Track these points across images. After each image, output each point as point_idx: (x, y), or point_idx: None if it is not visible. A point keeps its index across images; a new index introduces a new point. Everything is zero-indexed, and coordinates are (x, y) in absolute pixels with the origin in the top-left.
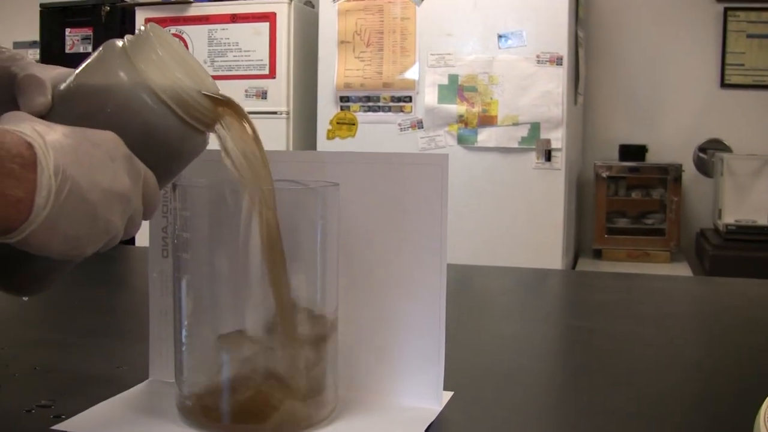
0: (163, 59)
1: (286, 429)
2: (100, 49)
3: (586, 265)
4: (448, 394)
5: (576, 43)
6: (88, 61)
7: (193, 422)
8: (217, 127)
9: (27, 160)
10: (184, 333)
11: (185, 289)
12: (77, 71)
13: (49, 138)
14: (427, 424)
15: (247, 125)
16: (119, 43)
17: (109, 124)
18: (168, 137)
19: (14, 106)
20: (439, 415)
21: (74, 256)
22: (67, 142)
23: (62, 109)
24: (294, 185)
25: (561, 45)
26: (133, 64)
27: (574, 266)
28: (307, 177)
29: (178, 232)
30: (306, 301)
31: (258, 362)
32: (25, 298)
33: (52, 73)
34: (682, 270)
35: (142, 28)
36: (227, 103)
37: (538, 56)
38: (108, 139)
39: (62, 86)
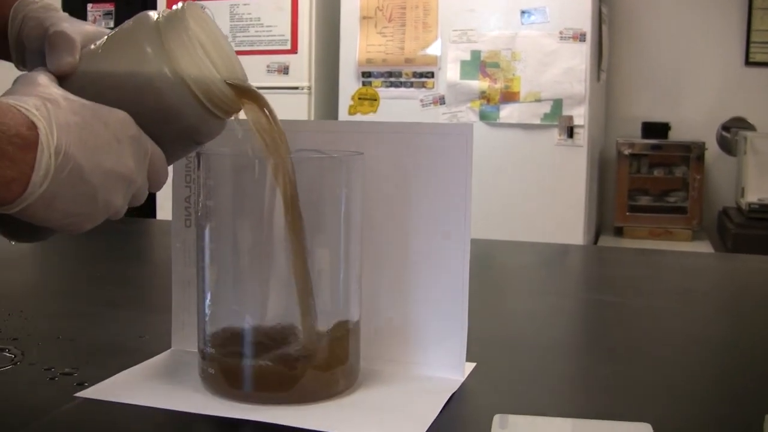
0: (193, 42)
1: (308, 398)
2: (133, 20)
3: (607, 242)
4: (471, 365)
5: (599, 20)
6: (119, 29)
7: (216, 390)
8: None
9: (26, 140)
10: (207, 302)
11: (209, 258)
12: (107, 37)
13: (56, 114)
14: (450, 395)
15: (268, 116)
16: (153, 17)
17: (129, 98)
18: (186, 120)
19: (44, 57)
20: (461, 385)
21: (73, 231)
22: (75, 120)
23: (85, 73)
24: (317, 154)
25: (584, 21)
26: (163, 43)
27: (595, 244)
28: (330, 147)
29: (202, 201)
30: (329, 272)
31: (281, 332)
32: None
33: (82, 30)
34: (704, 248)
35: (180, 5)
36: (250, 95)
37: (561, 32)
38: (117, 119)
39: (92, 47)
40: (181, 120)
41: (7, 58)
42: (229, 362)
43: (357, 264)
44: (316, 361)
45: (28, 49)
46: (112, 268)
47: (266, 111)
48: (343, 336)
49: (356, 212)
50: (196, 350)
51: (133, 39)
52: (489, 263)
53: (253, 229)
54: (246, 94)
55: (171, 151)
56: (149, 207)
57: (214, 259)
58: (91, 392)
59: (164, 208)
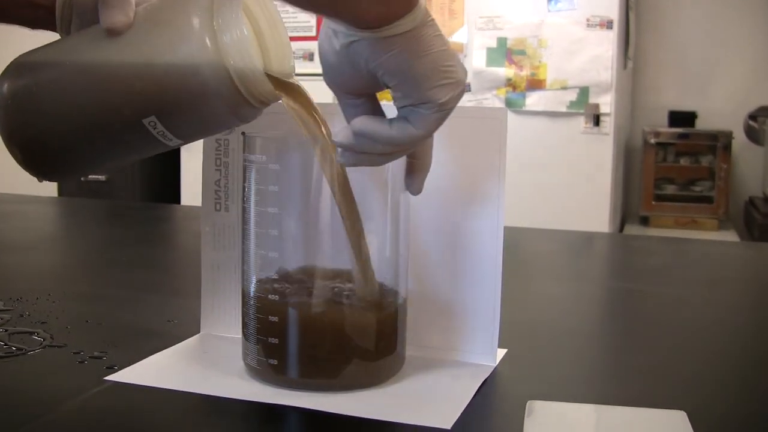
0: (242, 26)
1: (354, 387)
2: None
3: (632, 231)
4: (502, 351)
5: (626, 7)
6: None
7: (260, 377)
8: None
9: None
10: (252, 287)
11: (254, 242)
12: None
13: None
14: (482, 380)
15: (308, 108)
16: None
17: (168, 67)
18: (220, 105)
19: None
20: (493, 371)
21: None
22: None
23: (134, 32)
24: None
25: (611, 8)
26: (212, 18)
27: (620, 232)
28: None
29: (249, 185)
30: (377, 260)
31: (327, 319)
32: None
33: None
34: (730, 238)
35: None
36: (289, 88)
37: (588, 20)
38: None
39: (141, 8)
40: (215, 103)
41: (46, 26)
42: (274, 349)
43: (405, 251)
44: (364, 351)
45: (77, 9)
46: (138, 253)
47: (305, 103)
48: (392, 326)
49: (403, 198)
50: (226, 334)
51: (183, 8)
52: (515, 250)
53: (300, 213)
54: (285, 87)
55: (202, 128)
56: (174, 193)
57: (260, 242)
58: (120, 376)
59: (188, 193)
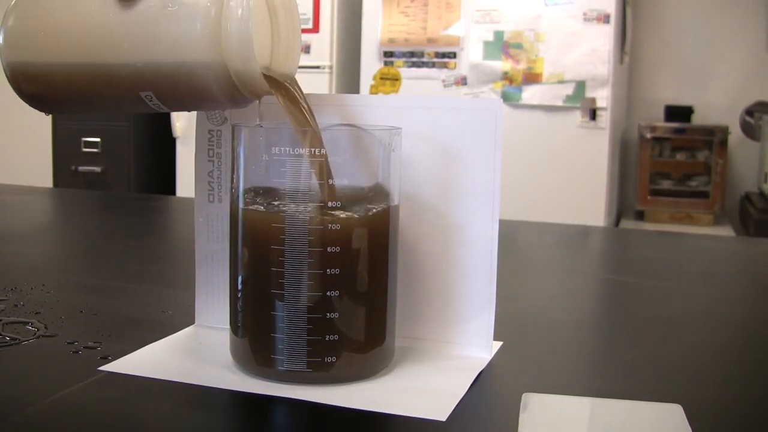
0: (249, 19)
1: (343, 380)
2: None
3: (628, 226)
4: (498, 344)
5: (623, 1)
6: None
7: (248, 369)
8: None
9: None
10: (240, 279)
11: (241, 234)
12: None
13: None
14: (478, 373)
15: (298, 105)
16: None
17: (169, 55)
18: (215, 93)
19: None
20: (489, 364)
21: None
22: None
23: (143, 8)
24: (355, 129)
25: (608, 2)
26: (221, 12)
27: (616, 226)
28: (360, 122)
29: (238, 176)
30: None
31: (317, 313)
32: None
33: None
34: (725, 233)
35: None
36: (282, 87)
37: (585, 14)
38: None
39: None
40: (211, 92)
41: None
42: (262, 342)
43: (395, 244)
44: (353, 343)
45: None
46: (133, 244)
47: (295, 97)
48: (380, 317)
49: (395, 189)
50: (221, 326)
51: (196, 1)
52: (511, 244)
53: (290, 204)
54: (279, 84)
55: (195, 106)
56: (169, 184)
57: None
58: (114, 366)
59: (183, 185)
